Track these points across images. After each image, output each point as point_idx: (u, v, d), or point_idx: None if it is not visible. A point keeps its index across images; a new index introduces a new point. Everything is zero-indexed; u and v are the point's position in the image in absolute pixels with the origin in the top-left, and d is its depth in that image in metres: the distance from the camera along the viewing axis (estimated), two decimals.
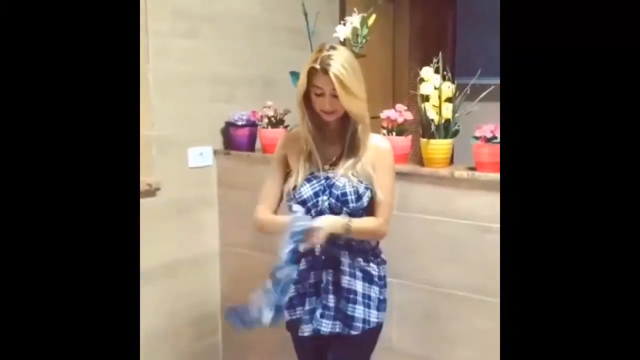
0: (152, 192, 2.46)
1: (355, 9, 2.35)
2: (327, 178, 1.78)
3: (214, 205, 2.71)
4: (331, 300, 1.80)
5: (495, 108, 2.30)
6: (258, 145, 2.66)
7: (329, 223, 1.71)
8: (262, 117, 2.59)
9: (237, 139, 2.66)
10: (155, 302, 2.51)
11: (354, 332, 1.79)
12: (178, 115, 2.54)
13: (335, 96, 1.68)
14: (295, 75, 2.48)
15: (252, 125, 2.65)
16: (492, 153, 2.03)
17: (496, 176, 1.99)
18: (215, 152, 2.69)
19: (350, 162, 1.77)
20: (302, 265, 1.82)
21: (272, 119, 2.57)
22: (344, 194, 1.74)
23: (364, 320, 1.80)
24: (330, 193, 1.75)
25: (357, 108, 1.72)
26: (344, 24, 2.30)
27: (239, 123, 2.64)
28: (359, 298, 1.80)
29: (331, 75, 1.65)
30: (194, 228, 2.66)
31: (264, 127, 2.58)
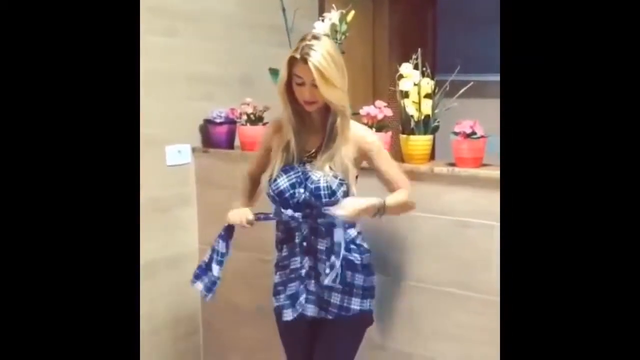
0: None
1: (333, 5, 2.33)
2: (303, 171, 1.78)
3: (193, 203, 2.69)
4: (312, 285, 1.82)
5: (474, 104, 2.33)
6: (237, 142, 2.64)
7: (356, 207, 1.72)
8: (241, 114, 2.57)
9: (215, 137, 2.64)
10: None
11: (329, 317, 1.82)
12: (156, 113, 2.51)
13: (315, 86, 1.68)
14: (274, 72, 2.45)
15: (230, 122, 2.63)
16: (472, 148, 2.03)
17: (476, 171, 2.00)
18: (194, 150, 2.67)
19: (327, 154, 1.77)
20: (284, 251, 1.85)
21: (251, 116, 2.55)
22: (318, 189, 1.74)
23: (340, 307, 1.81)
24: (306, 186, 1.76)
25: (337, 99, 1.71)
26: (323, 20, 2.29)
27: (218, 120, 2.62)
28: (337, 286, 1.80)
29: (310, 65, 1.65)
30: (173, 227, 2.64)
31: (242, 125, 2.56)
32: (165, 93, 2.54)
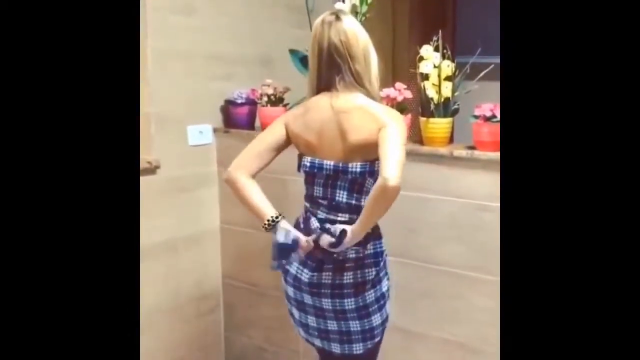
0: (152, 170, 2.47)
1: None
2: None
3: (214, 183, 2.72)
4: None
5: (495, 87, 2.30)
6: (257, 123, 2.66)
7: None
8: (261, 95, 2.58)
9: (236, 117, 2.66)
10: (156, 280, 2.53)
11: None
12: (177, 92, 2.53)
13: None
14: (295, 53, 2.47)
15: (251, 103, 2.65)
16: (492, 132, 2.03)
17: (495, 155, 2.00)
18: (215, 131, 2.69)
19: None
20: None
21: (272, 97, 2.56)
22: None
23: None
24: None
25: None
26: (343, 1, 2.29)
27: (239, 101, 2.64)
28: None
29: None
30: (194, 206, 2.67)
31: (263, 106, 2.58)
32: (186, 72, 2.56)
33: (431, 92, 2.12)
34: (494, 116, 2.03)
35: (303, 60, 2.36)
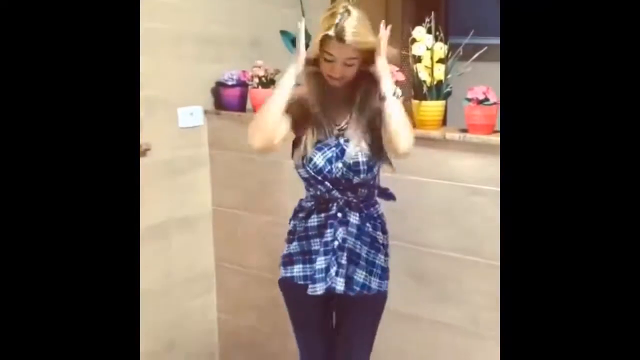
0: (142, 153, 2.45)
1: None
2: (337, 144, 1.75)
3: (206, 165, 2.71)
4: (344, 259, 1.76)
5: (488, 69, 2.30)
6: (249, 105, 2.64)
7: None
8: (252, 76, 2.56)
9: (227, 99, 2.64)
10: (149, 262, 2.52)
11: (351, 294, 1.78)
12: (167, 75, 2.51)
13: (348, 65, 1.67)
14: (285, 34, 2.44)
15: (242, 85, 2.63)
16: (484, 115, 2.02)
17: (488, 138, 2.00)
18: (206, 112, 2.67)
19: (361, 127, 1.74)
20: (312, 221, 1.81)
21: (263, 78, 2.54)
22: (357, 164, 1.72)
23: (363, 285, 1.80)
24: (344, 162, 1.73)
25: (381, 65, 1.72)
26: None
27: (229, 83, 2.62)
28: (362, 262, 1.80)
29: (351, 44, 1.64)
30: (186, 188, 2.66)
31: (254, 87, 2.56)
32: (175, 54, 2.53)
33: (424, 75, 2.10)
34: (486, 99, 2.03)
35: (294, 42, 2.34)
